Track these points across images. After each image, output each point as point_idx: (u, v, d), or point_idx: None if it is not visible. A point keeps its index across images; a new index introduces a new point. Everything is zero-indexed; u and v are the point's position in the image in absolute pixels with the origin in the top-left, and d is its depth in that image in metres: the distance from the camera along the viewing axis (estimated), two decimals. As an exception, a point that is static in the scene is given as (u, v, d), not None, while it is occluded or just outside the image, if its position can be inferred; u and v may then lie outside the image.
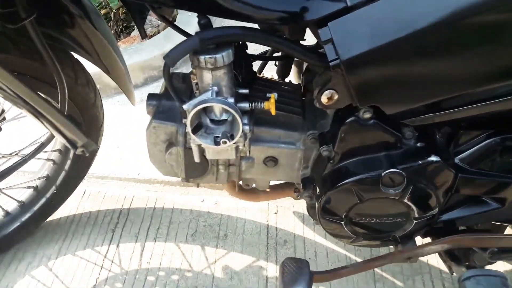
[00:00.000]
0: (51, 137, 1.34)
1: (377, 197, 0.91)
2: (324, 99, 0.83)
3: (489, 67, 0.76)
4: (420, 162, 0.88)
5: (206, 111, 0.86)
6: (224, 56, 0.78)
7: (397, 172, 0.87)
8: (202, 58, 0.78)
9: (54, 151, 1.42)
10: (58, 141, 1.41)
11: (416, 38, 0.73)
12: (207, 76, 0.81)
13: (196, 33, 0.76)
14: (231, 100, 0.83)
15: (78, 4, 0.99)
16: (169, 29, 2.32)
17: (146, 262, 1.50)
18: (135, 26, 2.42)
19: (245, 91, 0.87)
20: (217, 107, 0.84)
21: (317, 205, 0.96)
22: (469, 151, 0.91)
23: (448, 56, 0.75)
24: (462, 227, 1.06)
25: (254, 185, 1.16)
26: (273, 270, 1.46)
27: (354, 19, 0.75)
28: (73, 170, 1.45)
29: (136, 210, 1.67)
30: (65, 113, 1.02)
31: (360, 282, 1.40)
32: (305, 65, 1.21)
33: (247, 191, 1.27)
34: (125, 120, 2.03)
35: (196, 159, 0.92)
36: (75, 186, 1.52)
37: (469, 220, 1.00)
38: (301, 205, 1.64)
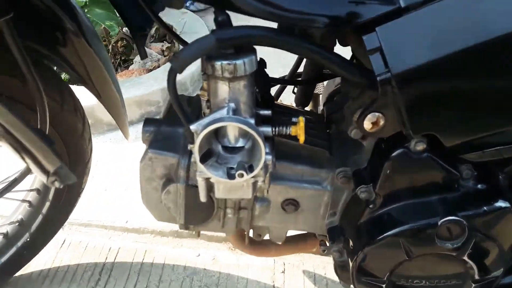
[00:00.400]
0: (24, 173, 1.15)
1: (431, 252, 0.72)
2: (367, 124, 0.67)
3: None
4: (485, 208, 0.70)
5: (218, 136, 0.69)
6: (246, 63, 0.62)
7: (457, 220, 0.69)
8: (218, 64, 0.61)
9: (31, 190, 1.24)
10: (37, 179, 1.23)
11: (489, 46, 0.59)
12: (223, 89, 0.64)
13: (212, 31, 0.60)
14: (252, 121, 0.66)
15: (75, 19, 0.86)
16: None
17: (130, 328, 1.27)
18: (133, 60, 2.32)
19: (268, 112, 0.70)
20: (233, 130, 0.67)
21: (351, 263, 0.77)
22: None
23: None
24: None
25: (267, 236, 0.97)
26: None
27: (409, 22, 0.61)
28: (52, 214, 1.26)
29: (122, 264, 1.46)
30: None
31: None
32: (323, 94, 1.06)
33: (256, 244, 1.07)
34: (117, 159, 1.87)
35: (202, 197, 0.73)
36: (52, 234, 1.33)
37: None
38: (312, 261, 1.44)
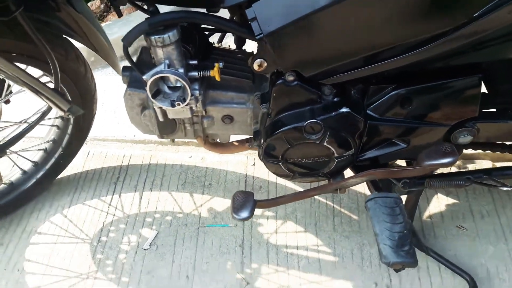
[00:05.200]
0: (50, 108, 1.53)
1: (303, 142, 1.14)
2: (255, 66, 1.04)
3: (388, 28, 0.93)
4: (333, 113, 1.10)
5: (164, 80, 1.09)
6: (170, 36, 1.00)
7: (316, 122, 1.09)
8: (152, 38, 1.00)
9: (57, 117, 1.62)
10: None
11: (320, 12, 0.90)
12: (159, 52, 1.04)
13: (146, 19, 0.99)
14: (181, 70, 1.05)
15: None
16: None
17: (144, 207, 1.71)
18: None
19: (194, 62, 1.09)
20: (171, 77, 1.07)
21: (261, 151, 1.20)
22: (377, 102, 1.12)
23: (346, 27, 0.94)
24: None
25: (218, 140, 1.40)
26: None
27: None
28: (75, 134, 1.63)
29: (134, 166, 1.88)
30: (59, 85, 1.21)
31: (321, 216, 1.66)
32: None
33: (216, 144, 1.49)
34: (121, 87, 2.18)
35: (160, 118, 1.16)
36: (78, 148, 1.71)
37: (386, 158, 1.23)
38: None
